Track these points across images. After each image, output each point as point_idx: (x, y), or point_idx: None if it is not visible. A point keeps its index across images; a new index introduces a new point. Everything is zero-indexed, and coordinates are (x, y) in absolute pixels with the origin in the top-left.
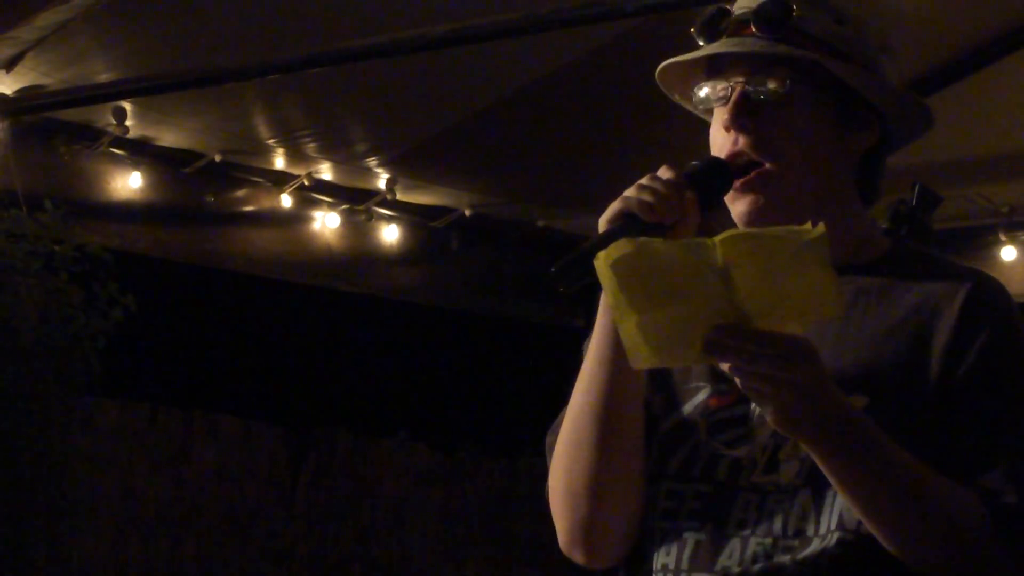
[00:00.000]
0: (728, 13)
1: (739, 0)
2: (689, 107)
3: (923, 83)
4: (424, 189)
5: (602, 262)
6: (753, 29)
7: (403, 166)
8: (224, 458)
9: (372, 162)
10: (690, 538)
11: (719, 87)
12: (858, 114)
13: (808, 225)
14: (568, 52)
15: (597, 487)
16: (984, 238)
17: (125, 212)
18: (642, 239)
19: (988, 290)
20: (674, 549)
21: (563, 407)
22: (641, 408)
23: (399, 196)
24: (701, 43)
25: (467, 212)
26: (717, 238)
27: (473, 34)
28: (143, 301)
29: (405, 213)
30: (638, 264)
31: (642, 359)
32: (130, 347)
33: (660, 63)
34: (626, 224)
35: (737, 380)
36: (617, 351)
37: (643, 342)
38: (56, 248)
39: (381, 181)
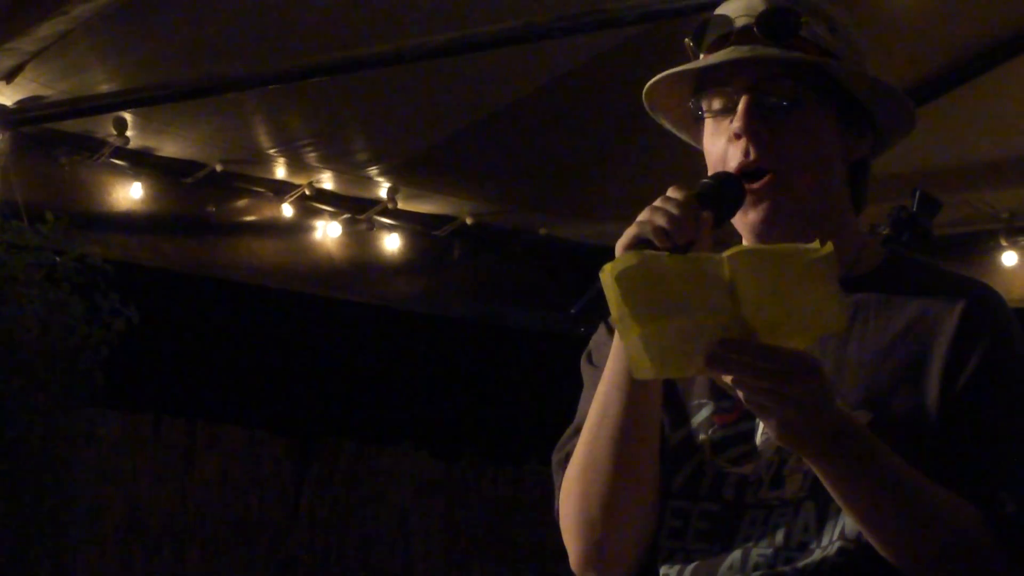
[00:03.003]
0: (729, 21)
1: (730, 6)
2: (667, 124)
3: (923, 88)
4: (425, 198)
5: (607, 274)
6: (759, 36)
7: (404, 175)
8: (228, 468)
9: (373, 171)
10: (697, 558)
11: (720, 97)
12: (856, 120)
13: (816, 243)
14: (569, 60)
15: (614, 511)
16: (985, 243)
17: (126, 223)
18: (648, 252)
19: (986, 302)
20: (678, 567)
21: (569, 423)
22: (658, 430)
23: (400, 205)
24: (698, 52)
25: (469, 221)
26: (725, 253)
27: (474, 43)
28: (145, 311)
29: (406, 222)
30: (643, 277)
31: (645, 370)
32: (133, 358)
33: (659, 71)
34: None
35: (740, 393)
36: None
37: (646, 354)
38: (58, 259)
39: (382, 190)
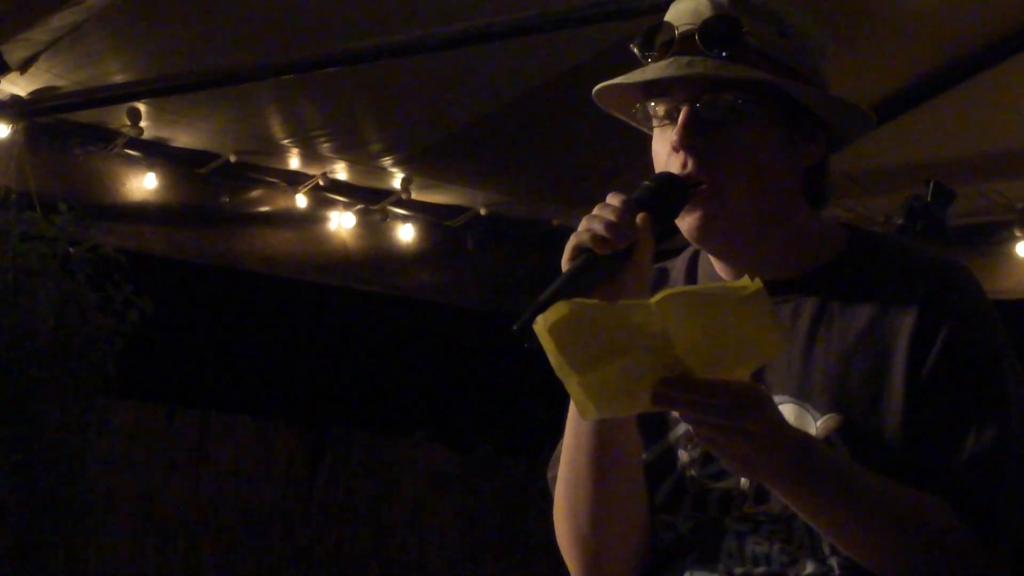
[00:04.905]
0: (671, 28)
1: (678, 8)
2: (625, 118)
3: (938, 78)
4: (439, 188)
5: (540, 326)
6: (700, 46)
7: (418, 165)
8: (241, 458)
9: (387, 161)
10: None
11: (664, 106)
12: (806, 127)
13: (746, 279)
14: (584, 50)
15: (603, 528)
16: (999, 234)
17: (140, 213)
18: (577, 300)
19: (947, 288)
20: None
21: (560, 439)
22: (637, 445)
23: (414, 195)
24: (644, 57)
25: (482, 211)
26: (654, 299)
27: (488, 33)
28: (159, 302)
29: (420, 212)
30: (575, 326)
31: (590, 412)
32: (146, 348)
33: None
34: (584, 261)
35: (691, 428)
36: None
37: (588, 398)
38: (72, 250)
39: (396, 180)
